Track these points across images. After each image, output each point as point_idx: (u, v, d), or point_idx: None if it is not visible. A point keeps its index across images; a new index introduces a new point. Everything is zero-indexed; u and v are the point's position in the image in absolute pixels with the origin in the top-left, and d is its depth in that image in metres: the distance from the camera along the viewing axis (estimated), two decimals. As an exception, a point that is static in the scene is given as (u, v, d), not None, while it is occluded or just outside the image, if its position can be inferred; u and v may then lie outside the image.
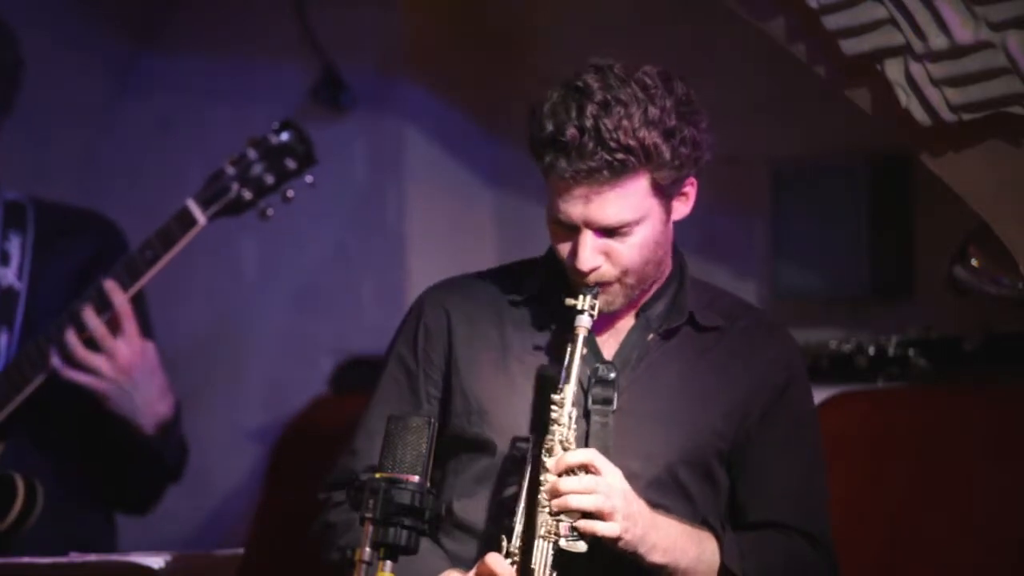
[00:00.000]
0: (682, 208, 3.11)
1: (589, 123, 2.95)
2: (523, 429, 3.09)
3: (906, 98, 3.48)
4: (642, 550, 3.00)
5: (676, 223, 3.13)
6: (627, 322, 3.15)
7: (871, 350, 4.31)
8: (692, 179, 3.09)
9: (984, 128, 3.44)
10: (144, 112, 5.47)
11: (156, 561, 3.49)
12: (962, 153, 3.51)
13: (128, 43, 5.48)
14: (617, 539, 2.97)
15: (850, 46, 3.51)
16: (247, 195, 4.06)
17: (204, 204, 4.06)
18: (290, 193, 4.08)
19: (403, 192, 5.17)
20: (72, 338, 4.06)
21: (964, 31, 3.38)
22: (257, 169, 4.06)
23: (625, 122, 2.96)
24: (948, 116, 3.46)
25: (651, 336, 3.14)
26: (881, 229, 4.50)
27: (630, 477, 3.02)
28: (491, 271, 3.28)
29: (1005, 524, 3.86)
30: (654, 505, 3.03)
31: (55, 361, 4.07)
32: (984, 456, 3.96)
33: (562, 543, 2.95)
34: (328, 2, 5.16)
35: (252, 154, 4.07)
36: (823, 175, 4.58)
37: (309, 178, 4.09)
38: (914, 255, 4.51)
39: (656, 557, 3.01)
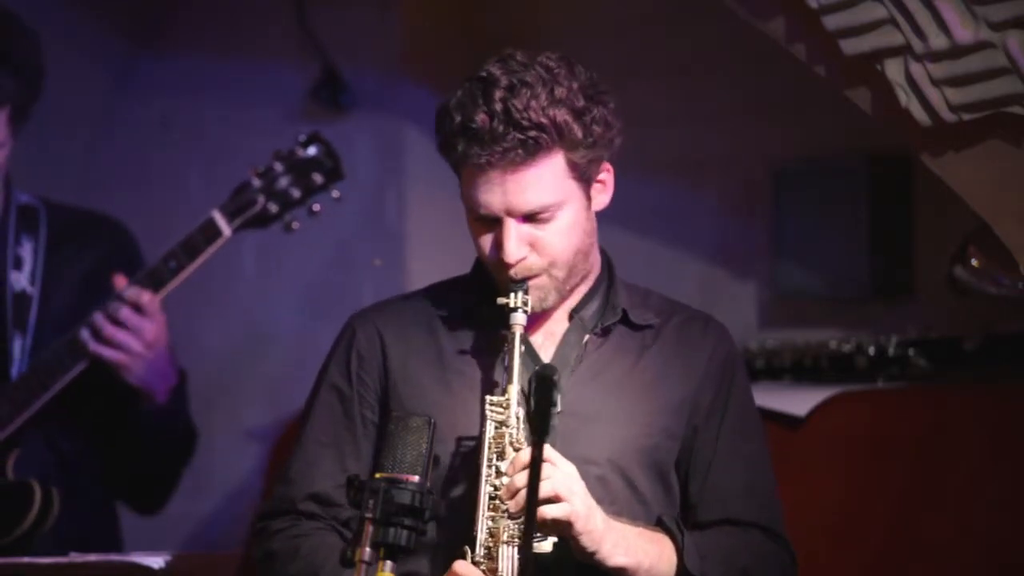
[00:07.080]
0: (602, 197, 3.09)
1: (498, 107, 2.94)
2: (466, 439, 3.05)
3: (906, 98, 3.48)
4: (604, 549, 2.93)
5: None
6: (561, 325, 3.12)
7: (871, 350, 4.30)
8: (607, 165, 3.08)
9: (984, 128, 3.44)
10: (144, 112, 5.47)
11: (156, 561, 3.50)
12: (962, 153, 3.51)
13: (128, 43, 5.48)
14: (573, 524, 2.88)
15: (850, 46, 3.51)
16: (273, 208, 4.09)
17: (230, 216, 4.08)
18: (316, 207, 4.11)
19: (403, 192, 5.17)
20: (100, 319, 4.07)
21: (964, 31, 3.37)
22: (283, 182, 4.10)
23: (533, 102, 2.95)
24: (948, 116, 3.46)
25: (587, 337, 3.11)
26: (881, 229, 4.50)
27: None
28: (416, 292, 3.24)
29: (1005, 524, 3.86)
30: (605, 509, 2.97)
31: (84, 334, 4.07)
32: (984, 456, 3.96)
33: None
34: (328, 2, 5.16)
35: (278, 167, 4.10)
36: (823, 175, 4.57)
37: (336, 193, 4.12)
38: (914, 255, 4.51)
39: (618, 559, 2.95)
